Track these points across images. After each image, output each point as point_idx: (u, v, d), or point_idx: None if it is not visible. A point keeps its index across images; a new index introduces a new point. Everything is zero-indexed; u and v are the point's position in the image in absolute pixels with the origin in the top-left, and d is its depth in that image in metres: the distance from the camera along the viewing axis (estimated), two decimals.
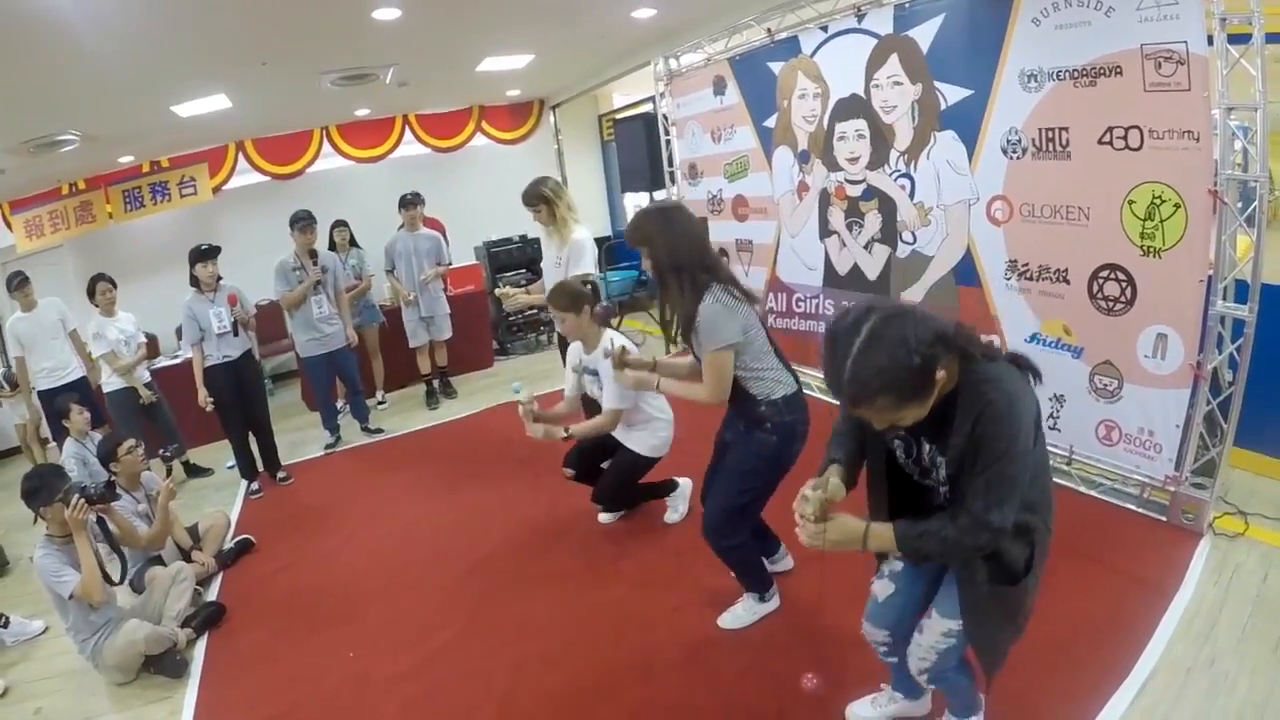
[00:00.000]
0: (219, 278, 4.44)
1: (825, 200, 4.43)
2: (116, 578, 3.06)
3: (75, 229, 6.74)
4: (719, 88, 5.11)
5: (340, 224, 5.93)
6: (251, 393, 4.60)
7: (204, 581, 3.57)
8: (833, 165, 4.30)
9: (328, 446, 5.27)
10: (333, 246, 5.76)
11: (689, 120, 5.56)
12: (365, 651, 2.86)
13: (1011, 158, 3.24)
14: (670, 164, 5.89)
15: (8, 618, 3.39)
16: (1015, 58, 3.12)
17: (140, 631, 2.87)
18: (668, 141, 5.86)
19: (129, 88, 4.40)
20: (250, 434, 4.66)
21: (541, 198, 3.76)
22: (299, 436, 5.57)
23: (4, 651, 3.33)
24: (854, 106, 4.06)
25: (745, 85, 4.88)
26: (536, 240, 7.16)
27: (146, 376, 5.02)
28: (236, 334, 4.44)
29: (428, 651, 2.79)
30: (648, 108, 6.56)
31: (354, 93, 5.81)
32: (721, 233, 5.44)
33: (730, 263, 5.41)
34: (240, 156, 7.04)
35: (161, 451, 4.18)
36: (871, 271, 4.25)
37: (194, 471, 5.27)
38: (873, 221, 4.15)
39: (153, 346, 6.74)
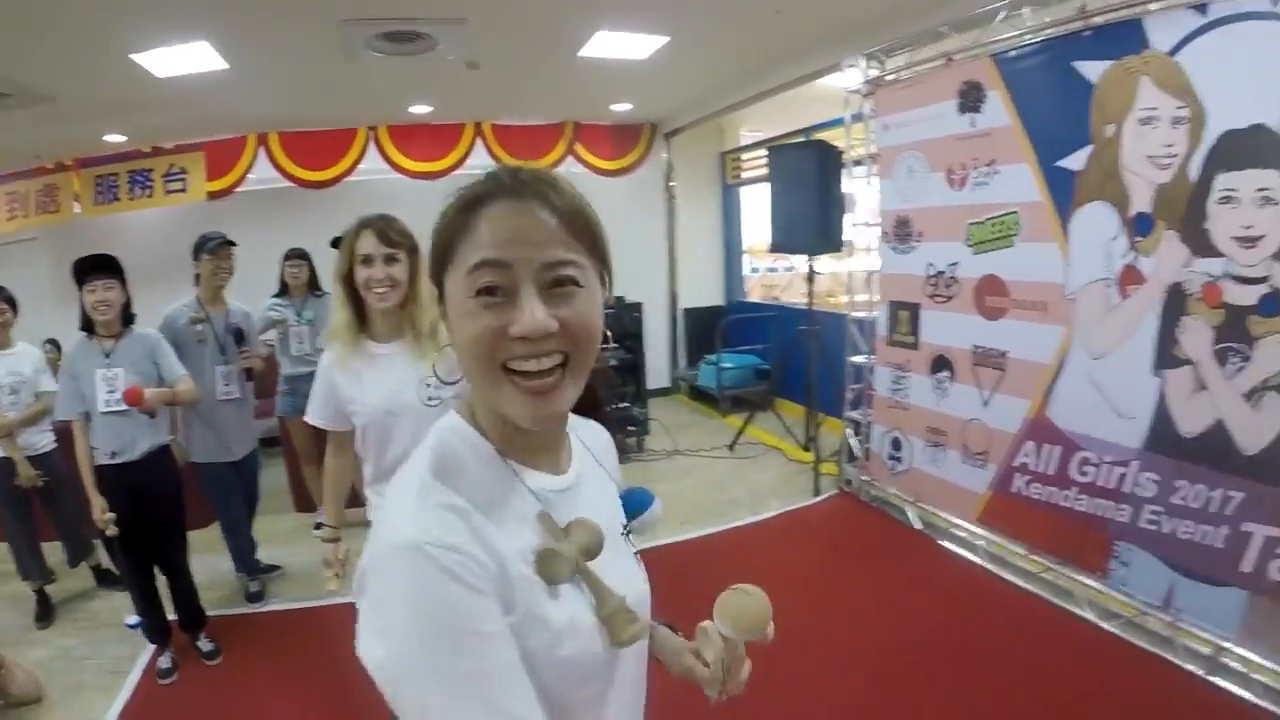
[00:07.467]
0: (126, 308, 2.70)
1: (1177, 304, 2.54)
2: None
3: (34, 218, 5.37)
4: (971, 100, 3.26)
5: (296, 255, 3.96)
6: (160, 506, 2.78)
7: None
8: (1202, 247, 2.44)
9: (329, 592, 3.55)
10: (284, 290, 3.95)
11: (903, 152, 3.69)
12: None
13: None
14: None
15: None
16: None
17: None
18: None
19: (64, 20, 2.92)
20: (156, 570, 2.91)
21: (410, 242, 1.78)
22: (275, 555, 3.84)
23: None
24: (1257, 148, 2.26)
25: (1024, 97, 3.03)
26: (638, 305, 5.61)
27: (44, 443, 3.39)
28: (153, 415, 2.71)
29: None
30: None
31: (406, 73, 4.21)
32: (946, 331, 3.53)
33: (952, 379, 3.54)
34: (262, 152, 5.44)
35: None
36: (1250, 439, 2.37)
37: (106, 579, 3.66)
38: (1272, 354, 2.29)
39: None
